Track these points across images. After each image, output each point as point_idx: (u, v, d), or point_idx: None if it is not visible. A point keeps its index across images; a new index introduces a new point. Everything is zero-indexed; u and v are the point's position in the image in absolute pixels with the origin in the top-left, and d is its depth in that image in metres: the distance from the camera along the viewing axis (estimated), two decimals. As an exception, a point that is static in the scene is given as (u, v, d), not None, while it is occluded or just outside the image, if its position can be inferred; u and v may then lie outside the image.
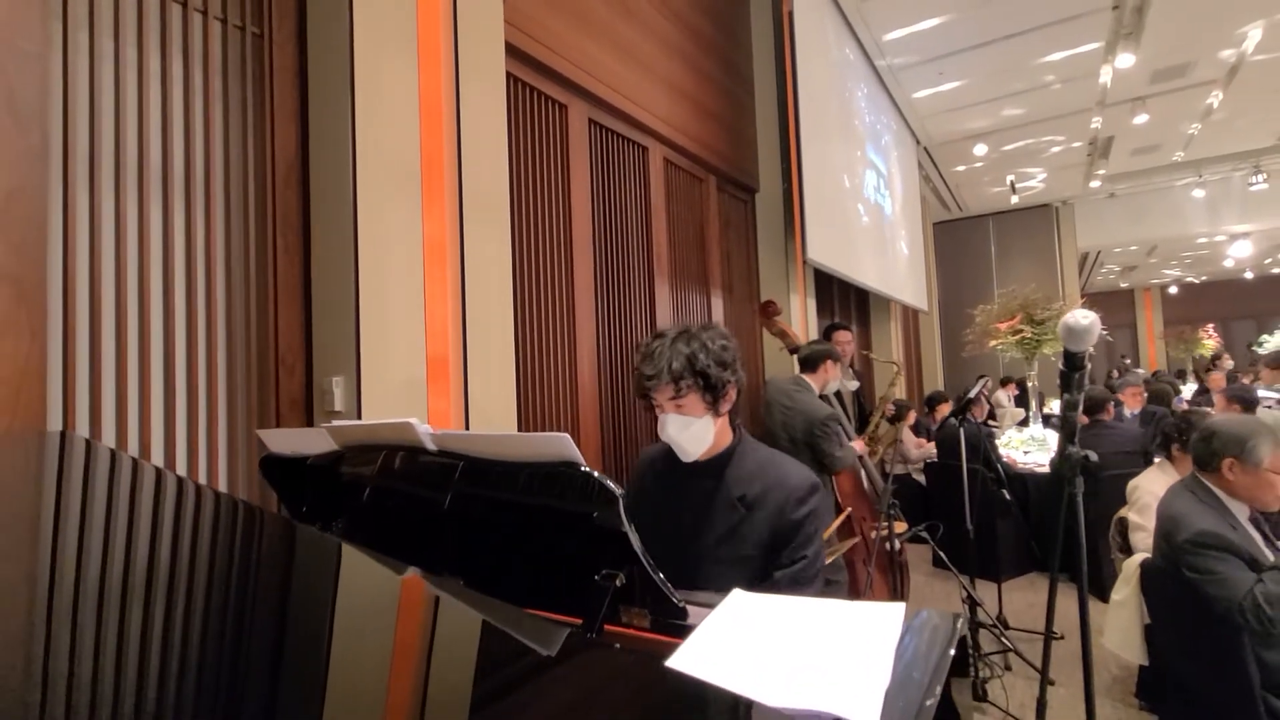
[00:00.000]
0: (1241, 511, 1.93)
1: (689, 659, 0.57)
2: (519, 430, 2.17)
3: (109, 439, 1.43)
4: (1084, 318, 1.18)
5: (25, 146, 1.22)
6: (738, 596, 0.74)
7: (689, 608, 0.77)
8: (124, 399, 1.44)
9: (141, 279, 1.50)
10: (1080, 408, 1.29)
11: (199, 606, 0.52)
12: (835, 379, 2.93)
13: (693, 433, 1.26)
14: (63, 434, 1.30)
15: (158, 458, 1.50)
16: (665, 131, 3.30)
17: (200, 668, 0.41)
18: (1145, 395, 5.15)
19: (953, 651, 0.67)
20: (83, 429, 1.39)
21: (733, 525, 1.26)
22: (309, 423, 1.74)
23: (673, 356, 1.23)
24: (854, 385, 3.68)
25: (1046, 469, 4.33)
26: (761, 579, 1.24)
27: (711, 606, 0.73)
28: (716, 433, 1.29)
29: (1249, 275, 15.34)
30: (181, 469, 1.54)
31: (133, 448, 1.46)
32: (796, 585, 1.23)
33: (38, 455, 1.04)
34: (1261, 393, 4.21)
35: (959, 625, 0.72)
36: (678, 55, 3.50)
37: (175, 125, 1.58)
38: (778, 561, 1.24)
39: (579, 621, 0.73)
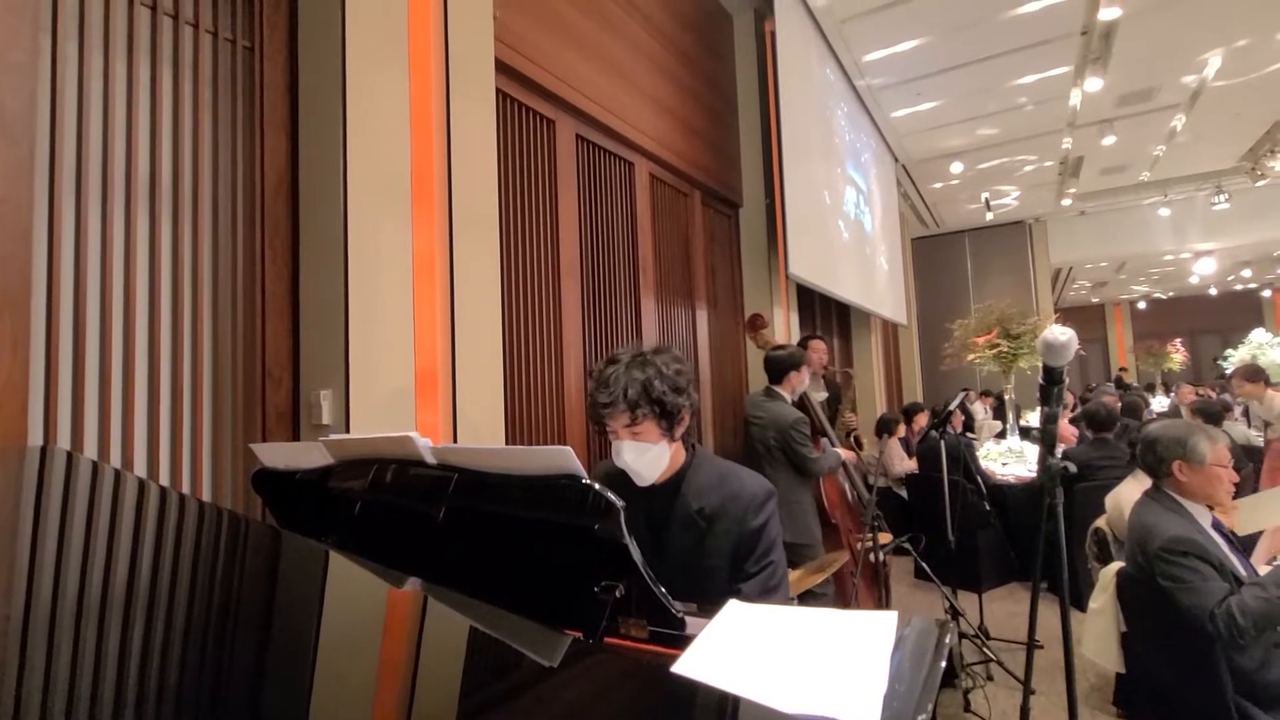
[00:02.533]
0: (1204, 517, 1.99)
1: (693, 665, 0.58)
2: (506, 444, 2.17)
3: (91, 453, 1.40)
4: (1062, 333, 1.22)
5: (12, 158, 1.21)
6: (734, 606, 0.76)
7: (686, 618, 0.78)
8: (107, 412, 1.42)
9: (127, 291, 1.48)
10: (1059, 420, 1.33)
11: (181, 620, 0.51)
12: (804, 383, 2.98)
13: (649, 459, 1.26)
14: (43, 449, 1.27)
15: (141, 472, 1.47)
16: (651, 147, 3.34)
17: (181, 683, 0.41)
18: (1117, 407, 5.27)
19: (943, 664, 0.68)
20: (64, 442, 1.37)
21: (694, 540, 1.26)
22: (296, 436, 1.72)
23: (628, 384, 1.22)
24: (822, 396, 3.73)
25: (1025, 479, 4.40)
26: (728, 590, 1.24)
27: (708, 616, 0.74)
28: (671, 455, 1.30)
29: (1213, 291, 15.84)
30: (165, 483, 1.51)
31: (115, 461, 1.44)
32: (766, 594, 1.24)
33: (18, 470, 1.02)
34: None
35: (948, 637, 0.74)
36: (664, 73, 3.56)
37: (164, 137, 1.57)
38: (742, 572, 1.25)
39: (578, 633, 0.73)
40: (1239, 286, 15.45)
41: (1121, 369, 15.48)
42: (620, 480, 1.34)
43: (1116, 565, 2.25)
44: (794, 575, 1.82)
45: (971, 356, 5.35)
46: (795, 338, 4.48)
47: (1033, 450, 4.87)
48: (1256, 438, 5.06)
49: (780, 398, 2.90)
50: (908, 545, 3.01)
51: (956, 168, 7.65)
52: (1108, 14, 4.35)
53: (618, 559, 0.75)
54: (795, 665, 0.60)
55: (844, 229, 5.24)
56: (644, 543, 1.27)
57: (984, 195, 8.71)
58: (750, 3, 4.51)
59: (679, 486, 1.31)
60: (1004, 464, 4.75)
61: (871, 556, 2.52)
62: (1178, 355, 15.21)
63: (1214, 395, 7.99)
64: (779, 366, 2.92)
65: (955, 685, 2.66)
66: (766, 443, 2.80)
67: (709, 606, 0.78)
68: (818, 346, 3.67)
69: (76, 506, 0.84)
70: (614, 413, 1.23)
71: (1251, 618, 1.69)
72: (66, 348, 1.38)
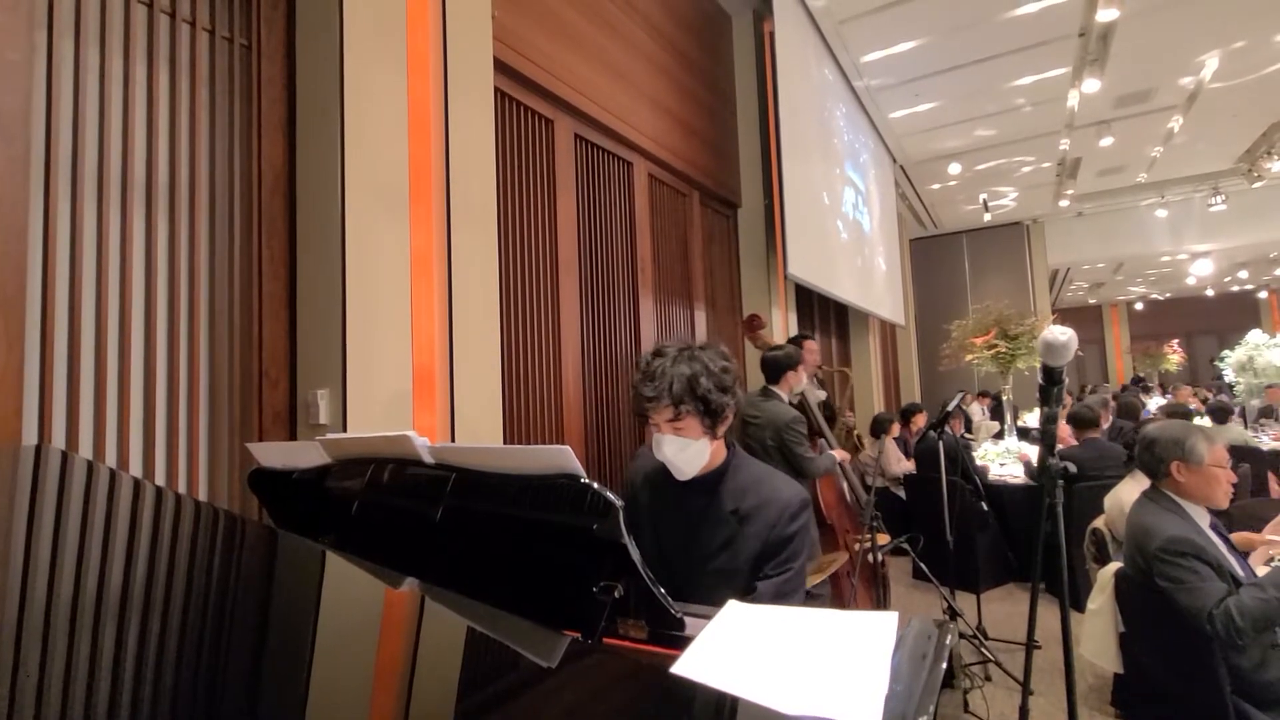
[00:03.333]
0: (1202, 518, 1.99)
1: (692, 666, 0.58)
2: (505, 443, 2.16)
3: (86, 452, 1.39)
4: (1062, 333, 1.22)
5: (8, 156, 1.21)
6: (733, 607, 0.75)
7: (686, 619, 0.78)
8: (102, 411, 1.41)
9: (123, 289, 1.47)
10: (1058, 420, 1.33)
11: (177, 621, 0.51)
12: (801, 383, 2.97)
13: (690, 454, 1.25)
14: (38, 448, 1.27)
15: (137, 471, 1.47)
16: (650, 147, 3.34)
17: (177, 684, 0.41)
18: (1114, 409, 5.29)
19: (943, 665, 0.68)
20: (59, 442, 1.36)
21: (725, 539, 1.25)
22: (292, 436, 1.72)
23: (674, 378, 1.20)
24: (820, 396, 3.72)
25: (1022, 480, 4.41)
26: (749, 592, 1.23)
27: (707, 617, 0.73)
28: (712, 452, 1.29)
29: (1210, 293, 15.88)
30: (161, 483, 1.50)
31: (111, 461, 1.43)
32: (780, 597, 1.23)
33: (12, 469, 1.02)
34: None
35: (948, 638, 0.73)
36: (663, 73, 3.56)
37: (161, 135, 1.56)
38: (761, 573, 1.24)
39: (577, 634, 0.73)
40: (1236, 288, 15.48)
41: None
42: (659, 472, 1.34)
43: (1115, 566, 2.25)
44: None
45: (969, 357, 5.35)
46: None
47: (1030, 451, 4.88)
48: (1254, 439, 5.09)
49: (777, 397, 2.89)
50: (906, 546, 3.01)
51: (954, 169, 7.66)
52: (1105, 15, 4.35)
53: (617, 559, 0.75)
54: (795, 666, 0.59)
55: (842, 229, 5.24)
56: (675, 539, 1.27)
57: (982, 196, 8.72)
58: (749, 4, 4.52)
59: (716, 485, 1.30)
60: (1001, 464, 4.76)
61: (870, 557, 2.51)
62: (1175, 356, 15.25)
63: (1211, 396, 8.03)
64: (776, 367, 2.92)
65: (954, 686, 2.66)
66: (764, 443, 2.79)
67: (713, 607, 0.77)
68: (810, 347, 3.66)
69: (72, 506, 0.84)
70: (658, 407, 1.22)
71: (1249, 618, 1.69)
72: (62, 346, 1.38)
